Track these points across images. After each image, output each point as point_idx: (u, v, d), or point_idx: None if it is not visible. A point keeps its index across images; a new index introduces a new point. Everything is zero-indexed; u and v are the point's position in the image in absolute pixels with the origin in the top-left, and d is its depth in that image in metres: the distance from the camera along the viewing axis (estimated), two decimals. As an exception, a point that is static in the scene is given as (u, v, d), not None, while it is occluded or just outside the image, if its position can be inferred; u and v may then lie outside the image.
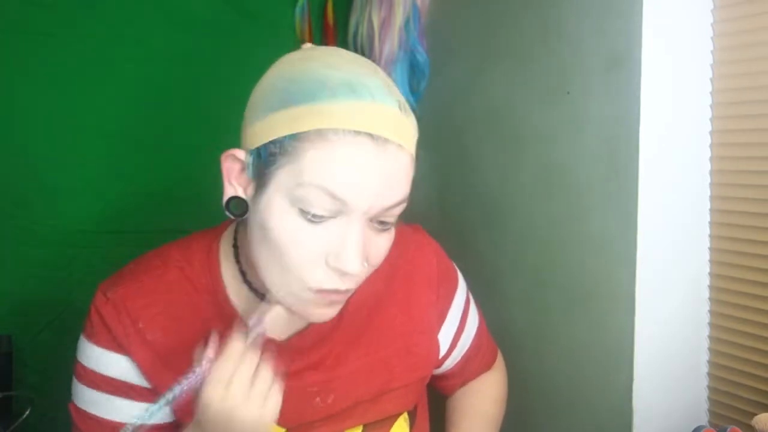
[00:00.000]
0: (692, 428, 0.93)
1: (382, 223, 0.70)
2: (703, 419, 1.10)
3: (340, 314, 0.79)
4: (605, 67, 1.06)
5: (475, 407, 1.02)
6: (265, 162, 0.68)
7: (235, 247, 0.79)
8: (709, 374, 1.09)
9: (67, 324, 1.39)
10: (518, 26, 1.24)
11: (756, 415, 0.87)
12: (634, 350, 1.04)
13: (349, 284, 0.70)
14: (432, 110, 1.48)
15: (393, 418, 0.88)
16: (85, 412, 0.80)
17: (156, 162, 1.47)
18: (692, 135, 1.06)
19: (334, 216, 0.67)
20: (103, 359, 0.78)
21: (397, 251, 0.78)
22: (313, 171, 0.65)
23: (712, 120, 1.06)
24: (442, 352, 0.94)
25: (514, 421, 1.10)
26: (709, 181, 1.07)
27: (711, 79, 1.05)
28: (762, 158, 0.99)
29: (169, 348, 0.77)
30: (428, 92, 1.49)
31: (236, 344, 0.66)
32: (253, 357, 0.66)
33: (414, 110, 1.49)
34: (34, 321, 1.36)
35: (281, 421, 0.73)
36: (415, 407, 0.93)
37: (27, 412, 1.21)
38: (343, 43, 1.61)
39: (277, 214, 0.67)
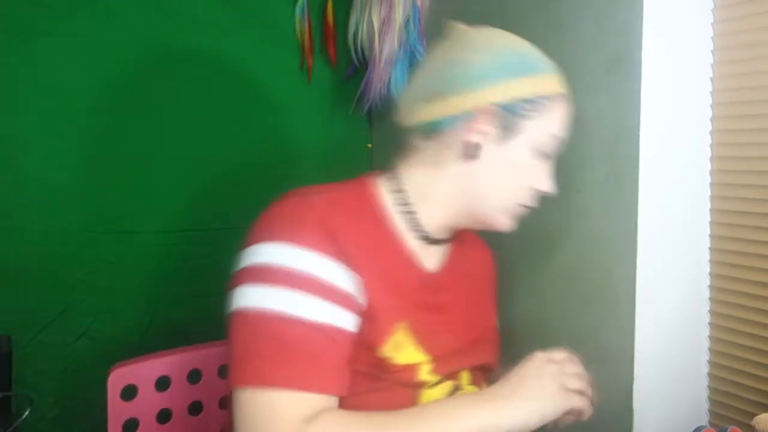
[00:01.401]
0: (692, 428, 0.93)
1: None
2: (704, 419, 1.09)
3: (456, 270, 0.96)
4: (605, 67, 1.06)
5: None
6: (518, 115, 0.86)
7: (399, 192, 0.91)
8: (710, 374, 1.09)
9: (67, 324, 1.39)
10: (518, 26, 1.23)
11: (756, 415, 0.87)
12: (634, 350, 1.04)
13: (534, 202, 0.92)
14: (432, 110, 1.48)
15: (483, 377, 0.98)
16: (292, 317, 0.76)
17: (156, 162, 1.47)
18: (692, 135, 1.06)
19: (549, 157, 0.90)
20: (318, 264, 0.78)
21: (474, 237, 1.04)
22: (555, 124, 0.88)
23: (712, 120, 1.06)
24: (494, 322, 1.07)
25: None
26: (709, 181, 1.07)
27: (711, 79, 1.05)
28: (762, 158, 0.99)
29: (365, 256, 0.82)
30: (428, 92, 1.49)
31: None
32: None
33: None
34: (34, 321, 1.36)
35: (426, 348, 0.87)
36: (495, 374, 0.98)
37: (27, 412, 1.21)
38: (343, 43, 1.61)
39: (528, 154, 0.88)
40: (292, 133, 1.61)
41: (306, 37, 1.59)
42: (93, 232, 1.41)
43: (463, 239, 0.99)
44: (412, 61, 1.47)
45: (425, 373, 0.87)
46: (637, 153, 1.01)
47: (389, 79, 1.48)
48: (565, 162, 1.15)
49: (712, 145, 1.06)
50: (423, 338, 0.87)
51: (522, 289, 1.25)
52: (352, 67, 1.60)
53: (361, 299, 0.81)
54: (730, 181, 1.04)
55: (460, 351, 0.94)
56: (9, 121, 1.34)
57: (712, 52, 1.05)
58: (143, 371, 1.13)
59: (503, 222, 0.92)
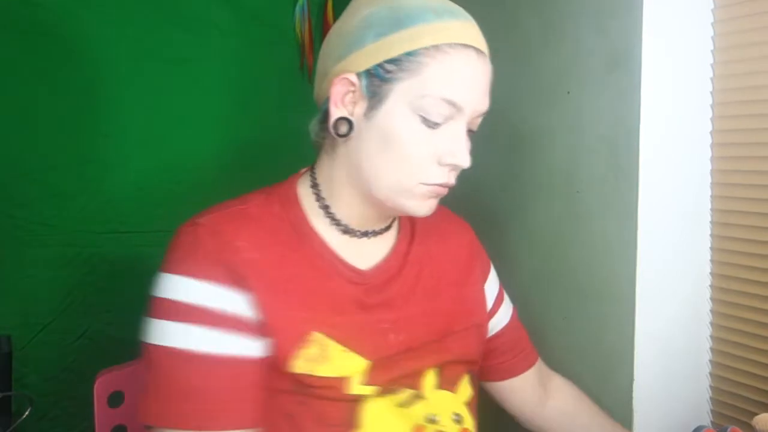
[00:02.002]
0: (693, 428, 0.93)
1: (470, 131, 0.82)
2: (704, 419, 1.09)
3: (405, 262, 0.89)
4: (605, 67, 1.06)
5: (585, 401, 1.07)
6: (382, 79, 0.76)
7: (314, 186, 0.86)
8: (711, 374, 1.09)
9: (67, 324, 1.39)
10: (518, 26, 1.24)
11: (756, 414, 0.87)
12: (634, 350, 1.04)
13: (452, 179, 0.82)
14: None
15: (460, 373, 0.90)
16: (182, 350, 0.74)
17: (156, 162, 1.47)
18: (692, 135, 1.06)
19: (446, 122, 0.78)
20: (197, 290, 0.75)
21: (443, 216, 0.96)
22: (435, 82, 0.76)
23: (712, 120, 1.06)
24: (489, 304, 0.99)
25: (515, 421, 1.09)
26: (709, 181, 1.07)
27: (711, 79, 1.05)
28: (762, 158, 0.99)
29: (269, 264, 0.78)
30: (428, 92, 1.49)
31: None
32: None
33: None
34: (34, 321, 1.36)
35: (364, 352, 0.80)
36: (474, 374, 0.94)
37: (27, 412, 1.21)
38: (343, 43, 1.61)
39: (400, 121, 0.77)
40: (292, 133, 1.61)
41: (306, 37, 1.59)
42: (93, 232, 1.41)
43: (430, 222, 0.91)
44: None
45: (355, 386, 0.78)
46: (637, 153, 1.01)
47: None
48: (565, 162, 1.15)
49: (712, 145, 1.06)
50: (357, 342, 0.79)
51: (522, 289, 1.25)
52: (352, 67, 1.60)
53: (259, 319, 0.76)
54: (730, 181, 1.04)
55: (422, 347, 0.86)
56: (9, 121, 1.34)
57: (712, 52, 1.05)
58: (130, 377, 1.09)
59: (411, 206, 0.80)
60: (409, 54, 0.75)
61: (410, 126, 0.77)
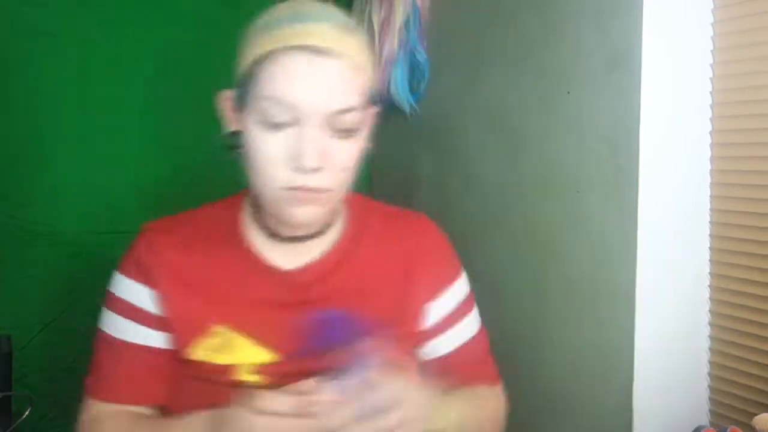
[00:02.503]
0: (693, 428, 0.93)
1: (340, 130, 0.80)
2: (704, 419, 1.09)
3: (340, 264, 0.90)
4: (605, 67, 1.06)
5: (474, 399, 0.96)
6: (240, 92, 0.81)
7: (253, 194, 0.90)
8: (710, 374, 1.09)
9: (67, 324, 1.39)
10: (518, 26, 1.24)
11: (756, 415, 0.87)
12: (634, 350, 1.04)
13: (318, 182, 0.80)
14: (432, 110, 1.48)
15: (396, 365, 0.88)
16: (104, 333, 0.91)
17: (156, 161, 1.47)
18: (692, 135, 1.06)
19: (292, 124, 0.78)
20: (123, 286, 0.90)
21: (400, 226, 0.95)
22: (267, 85, 0.78)
23: (712, 120, 1.06)
24: (427, 323, 0.94)
25: (515, 421, 1.09)
26: (709, 181, 1.07)
27: (711, 79, 1.05)
28: (762, 158, 0.99)
29: (189, 266, 0.89)
30: (428, 92, 1.49)
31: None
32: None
33: (414, 110, 1.50)
34: (34, 321, 1.36)
35: (276, 347, 0.86)
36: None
37: (27, 412, 1.21)
38: (343, 43, 1.61)
39: (250, 130, 0.80)
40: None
41: (306, 37, 1.59)
42: (93, 232, 1.41)
43: (386, 226, 0.93)
44: (412, 61, 1.47)
45: (244, 374, 0.86)
46: (637, 153, 1.01)
47: (389, 79, 1.48)
48: (565, 162, 1.15)
49: (712, 145, 1.06)
50: (269, 337, 0.86)
51: (522, 289, 1.25)
52: (352, 67, 1.60)
53: (162, 314, 0.88)
54: (730, 181, 1.04)
55: (335, 349, 0.85)
56: (9, 121, 1.34)
57: (712, 52, 1.05)
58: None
59: (285, 214, 0.83)
60: (252, 64, 0.80)
61: (257, 132, 0.80)
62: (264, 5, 1.66)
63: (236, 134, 0.83)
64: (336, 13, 0.83)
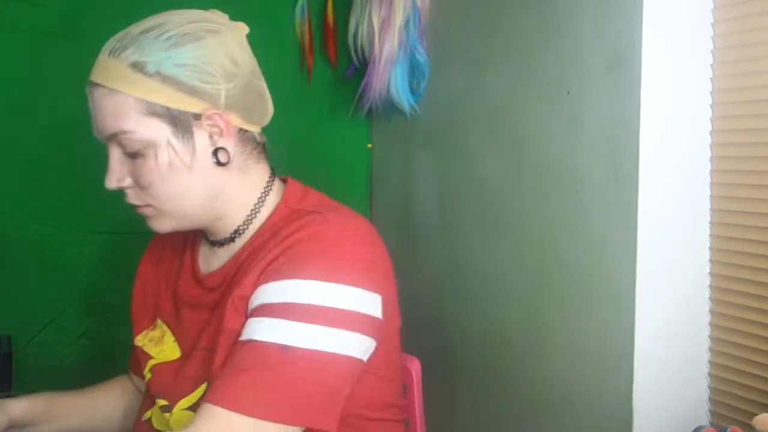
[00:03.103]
0: (693, 428, 0.93)
1: (128, 153, 0.89)
2: (704, 419, 1.09)
3: (235, 270, 0.91)
4: (605, 67, 1.06)
5: None
6: None
7: None
8: (710, 374, 1.09)
9: (67, 324, 1.39)
10: (518, 26, 1.24)
11: (756, 415, 0.87)
12: (634, 350, 1.04)
13: (134, 200, 0.92)
14: (432, 110, 1.48)
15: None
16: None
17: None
18: (692, 135, 1.06)
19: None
20: None
21: (287, 227, 0.88)
22: None
23: (712, 120, 1.05)
24: (251, 304, 0.85)
25: (515, 421, 1.10)
26: (709, 181, 1.06)
27: (711, 79, 1.05)
28: (762, 158, 0.99)
29: (151, 267, 1.10)
30: (428, 92, 1.49)
31: None
32: None
33: (414, 110, 1.50)
34: (34, 321, 1.36)
35: (183, 344, 0.94)
36: None
37: (27, 412, 1.21)
38: (343, 43, 1.61)
39: None
40: (291, 133, 1.61)
41: (306, 37, 1.59)
42: (93, 232, 1.41)
43: (282, 233, 0.86)
44: (412, 61, 1.47)
45: (146, 370, 0.98)
46: (637, 153, 1.01)
47: (389, 79, 1.48)
48: (565, 162, 1.15)
49: (712, 145, 1.06)
50: (180, 335, 0.96)
51: (522, 289, 1.25)
52: (352, 67, 1.61)
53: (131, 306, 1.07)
54: (730, 181, 1.04)
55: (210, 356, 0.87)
56: (9, 121, 1.34)
57: (712, 52, 1.05)
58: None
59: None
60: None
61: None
62: (266, 6, 1.67)
63: None
64: (133, 33, 0.93)
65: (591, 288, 1.11)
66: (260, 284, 0.84)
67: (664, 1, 1.01)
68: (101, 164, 1.44)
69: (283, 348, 0.79)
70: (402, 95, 1.48)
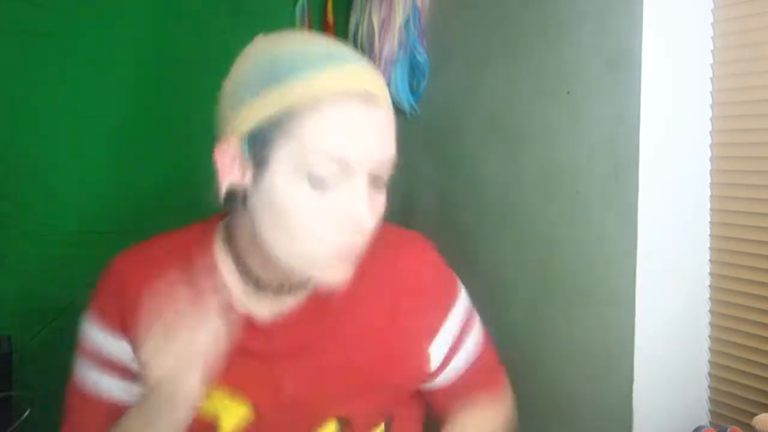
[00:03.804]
0: (693, 428, 0.93)
1: (377, 179, 0.74)
2: (704, 419, 1.09)
3: (322, 308, 0.82)
4: (605, 66, 1.06)
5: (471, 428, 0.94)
6: (263, 143, 0.71)
7: (228, 237, 0.83)
8: (710, 374, 1.09)
9: (67, 324, 1.39)
10: (518, 26, 1.24)
11: (756, 415, 0.87)
12: (634, 350, 1.04)
13: (362, 238, 0.74)
14: (432, 110, 1.48)
15: (370, 424, 0.86)
16: (77, 391, 0.85)
17: (156, 162, 1.47)
18: (692, 135, 1.06)
19: (340, 179, 0.71)
20: (98, 336, 0.83)
21: (390, 257, 0.84)
22: (314, 140, 0.69)
23: (712, 120, 1.06)
24: (434, 365, 0.89)
25: (515, 422, 1.10)
26: (709, 181, 1.07)
27: (711, 79, 1.05)
28: (762, 158, 0.99)
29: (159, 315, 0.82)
30: (428, 92, 1.49)
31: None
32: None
33: (414, 110, 1.50)
34: (34, 321, 1.36)
35: (251, 400, 0.80)
36: (391, 420, 0.88)
37: (27, 412, 1.21)
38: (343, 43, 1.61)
39: (286, 189, 0.71)
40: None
41: (306, 37, 1.59)
42: (93, 232, 1.41)
43: (374, 259, 0.79)
44: (412, 61, 1.47)
45: (226, 429, 0.81)
46: (637, 153, 1.01)
47: (389, 79, 1.48)
48: (566, 162, 1.15)
49: (712, 145, 1.06)
50: (245, 387, 0.80)
51: (521, 288, 1.25)
52: (352, 67, 1.60)
53: (137, 364, 0.79)
54: (730, 181, 1.04)
55: (327, 400, 0.83)
56: (9, 121, 1.34)
57: (712, 52, 1.05)
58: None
59: (321, 275, 0.75)
60: (285, 112, 0.69)
61: (298, 192, 0.70)
62: (266, 6, 1.67)
63: (236, 191, 0.74)
64: (354, 51, 0.77)
65: (591, 288, 1.11)
66: (429, 342, 0.88)
67: (664, 1, 1.01)
68: (101, 164, 1.45)
69: (483, 340, 0.96)
70: (402, 95, 1.49)
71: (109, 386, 0.83)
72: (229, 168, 0.74)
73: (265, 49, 0.74)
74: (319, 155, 0.69)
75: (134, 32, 1.43)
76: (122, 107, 1.43)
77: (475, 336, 0.94)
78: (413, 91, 1.50)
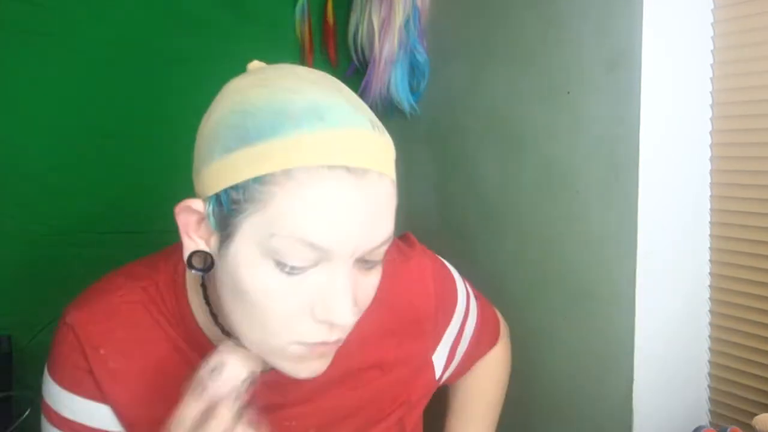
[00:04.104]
0: (693, 428, 0.93)
1: (368, 262, 0.62)
2: (704, 419, 1.10)
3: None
4: (605, 67, 1.06)
5: (476, 393, 1.02)
6: (228, 210, 0.59)
7: (203, 286, 0.71)
8: (710, 374, 1.09)
9: (67, 324, 1.39)
10: (518, 26, 1.24)
11: (756, 415, 0.87)
12: (634, 350, 1.04)
13: (340, 334, 0.63)
14: (432, 110, 1.48)
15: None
16: None
17: (156, 162, 1.47)
18: (692, 135, 1.06)
19: (315, 264, 0.59)
20: (67, 402, 0.73)
21: (388, 284, 0.71)
22: (286, 220, 0.56)
23: (712, 120, 1.06)
24: (438, 373, 0.89)
25: (515, 421, 1.10)
26: (709, 181, 1.07)
27: (711, 79, 1.05)
28: (762, 158, 0.99)
29: (134, 375, 0.72)
30: (428, 92, 1.49)
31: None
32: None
33: (414, 110, 1.50)
34: (34, 321, 1.36)
35: None
36: (405, 427, 0.88)
37: (27, 412, 1.21)
38: (343, 43, 1.61)
39: (250, 268, 0.59)
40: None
41: (306, 37, 1.59)
42: (93, 232, 1.41)
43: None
44: (412, 61, 1.47)
45: None
46: (637, 153, 1.01)
47: (389, 79, 1.48)
48: (565, 162, 1.15)
49: (712, 145, 1.06)
50: None
51: (521, 289, 1.25)
52: (352, 67, 1.61)
53: (119, 428, 0.73)
54: (730, 181, 1.04)
55: None
56: (9, 121, 1.34)
57: (712, 52, 1.05)
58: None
59: (287, 368, 0.63)
60: (255, 180, 0.56)
61: (263, 273, 0.58)
62: (266, 6, 1.66)
63: (203, 254, 0.63)
64: (357, 102, 0.62)
65: (591, 288, 1.11)
66: (432, 354, 0.87)
67: (664, 1, 1.01)
68: (101, 164, 1.44)
69: (478, 312, 0.97)
70: (402, 95, 1.49)
71: None
72: (194, 229, 0.63)
73: (242, 95, 0.61)
74: (290, 240, 0.57)
75: (134, 32, 1.43)
76: (123, 107, 1.43)
77: (473, 316, 0.95)
78: (413, 91, 1.50)
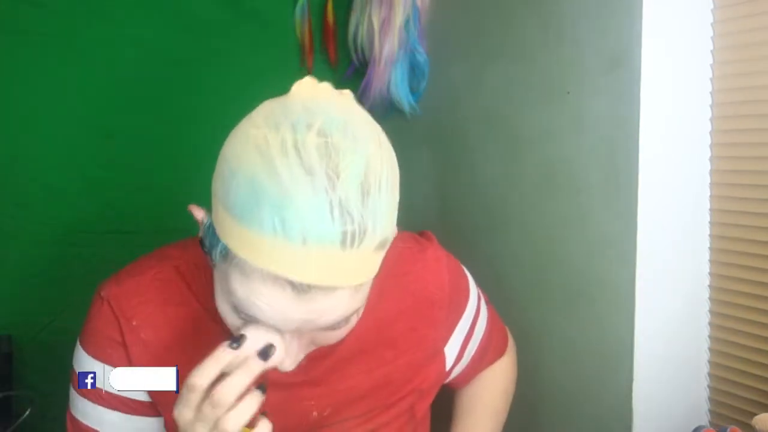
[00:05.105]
0: (692, 428, 0.93)
1: (325, 329, 0.66)
2: (704, 419, 1.10)
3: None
4: (605, 67, 1.06)
5: (481, 400, 1.03)
6: (210, 241, 0.65)
7: None
8: (710, 374, 1.09)
9: (67, 324, 1.39)
10: (518, 26, 1.24)
11: (756, 415, 0.87)
12: (634, 350, 1.04)
13: (291, 367, 0.68)
14: (432, 110, 1.48)
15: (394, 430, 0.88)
16: (79, 422, 0.82)
17: (156, 162, 1.47)
18: (692, 135, 1.06)
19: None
20: (97, 370, 0.78)
21: (405, 269, 0.83)
22: (237, 295, 0.63)
23: (712, 120, 1.06)
24: (449, 364, 0.92)
25: (515, 422, 1.10)
26: (709, 181, 1.07)
27: (711, 79, 1.05)
28: (762, 158, 0.99)
29: (164, 347, 0.78)
30: (428, 92, 1.49)
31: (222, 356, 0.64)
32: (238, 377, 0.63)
33: (414, 110, 1.50)
34: (34, 321, 1.36)
35: (278, 427, 0.72)
36: (414, 416, 0.91)
37: (27, 412, 1.21)
38: (343, 43, 1.61)
39: (219, 293, 0.67)
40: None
41: (306, 37, 1.60)
42: (93, 232, 1.41)
43: (389, 278, 0.72)
44: (412, 61, 1.47)
45: None
46: (637, 153, 1.01)
47: (389, 79, 1.48)
48: (565, 162, 1.15)
49: (712, 145, 1.06)
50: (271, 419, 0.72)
51: (521, 289, 1.25)
52: (352, 67, 1.61)
53: (151, 400, 0.79)
54: (730, 181, 1.04)
55: (352, 418, 0.84)
56: (9, 121, 1.34)
57: (712, 52, 1.05)
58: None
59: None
60: (225, 246, 0.62)
61: (225, 304, 0.66)
62: (266, 6, 1.67)
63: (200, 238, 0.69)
64: (345, 201, 0.59)
65: (591, 288, 1.11)
66: (444, 345, 0.90)
67: (664, 1, 1.01)
68: (101, 164, 1.45)
69: (488, 317, 1.00)
70: (402, 95, 1.49)
71: (111, 420, 0.80)
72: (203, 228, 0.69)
73: (243, 150, 0.63)
74: (242, 304, 0.63)
75: (134, 32, 1.43)
76: (123, 107, 1.43)
77: (483, 316, 0.98)
78: (413, 91, 1.50)
